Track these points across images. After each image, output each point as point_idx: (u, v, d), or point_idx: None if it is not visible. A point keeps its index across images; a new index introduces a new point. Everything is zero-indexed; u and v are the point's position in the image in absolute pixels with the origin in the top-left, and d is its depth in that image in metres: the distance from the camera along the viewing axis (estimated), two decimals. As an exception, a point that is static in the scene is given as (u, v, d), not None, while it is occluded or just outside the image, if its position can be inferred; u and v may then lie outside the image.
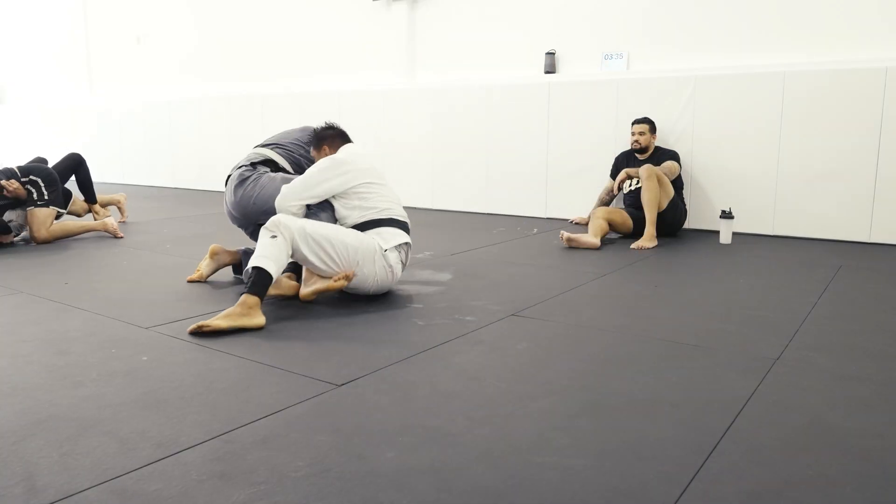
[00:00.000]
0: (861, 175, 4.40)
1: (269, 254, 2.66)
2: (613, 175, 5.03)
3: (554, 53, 5.67)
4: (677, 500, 1.38)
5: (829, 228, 4.55)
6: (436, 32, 6.38)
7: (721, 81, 4.82)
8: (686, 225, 4.95)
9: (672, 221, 4.63)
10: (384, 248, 2.89)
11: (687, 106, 4.95)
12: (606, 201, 5.04)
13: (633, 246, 4.26)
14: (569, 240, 4.23)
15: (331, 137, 3.22)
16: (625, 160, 4.98)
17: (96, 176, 9.28)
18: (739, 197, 4.80)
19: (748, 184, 4.78)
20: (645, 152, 4.88)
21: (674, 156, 4.78)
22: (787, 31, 4.71)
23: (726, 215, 4.44)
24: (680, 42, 5.13)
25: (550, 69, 5.68)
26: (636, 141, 4.85)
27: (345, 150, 3.16)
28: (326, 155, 3.19)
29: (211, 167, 7.92)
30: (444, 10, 6.29)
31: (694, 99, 4.93)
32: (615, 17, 5.39)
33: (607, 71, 5.44)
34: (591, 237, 4.26)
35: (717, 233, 4.57)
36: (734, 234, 4.56)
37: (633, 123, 4.89)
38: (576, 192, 5.51)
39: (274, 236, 2.69)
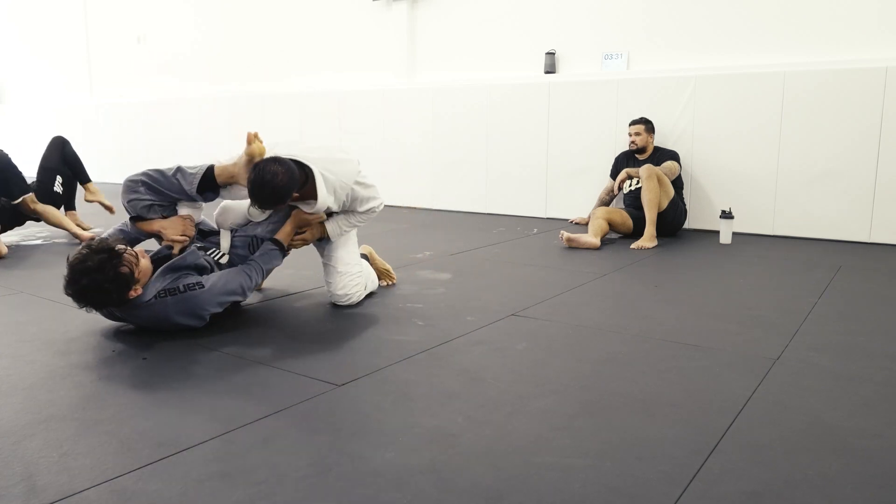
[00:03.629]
0: (861, 175, 4.40)
1: None
2: (613, 175, 5.03)
3: (554, 53, 5.67)
4: (677, 500, 1.38)
5: (829, 228, 4.55)
6: (436, 32, 6.38)
7: (721, 81, 4.82)
8: (686, 225, 4.95)
9: (672, 221, 4.63)
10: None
11: (687, 106, 4.95)
12: (606, 201, 5.04)
13: (633, 246, 4.26)
14: (569, 240, 4.23)
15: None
16: (625, 160, 4.98)
17: (97, 176, 9.29)
18: (739, 197, 4.80)
19: (748, 184, 4.78)
20: (643, 152, 4.88)
21: (674, 156, 4.78)
22: (787, 31, 4.71)
23: (726, 215, 4.44)
24: (680, 42, 5.13)
25: (550, 69, 5.68)
26: (633, 142, 4.86)
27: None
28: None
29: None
30: (444, 10, 6.29)
31: (694, 99, 4.93)
32: (615, 17, 5.39)
33: (607, 71, 5.44)
34: (591, 237, 4.26)
35: (717, 233, 4.57)
36: (734, 234, 4.56)
37: (629, 124, 4.90)
38: (575, 192, 5.51)
39: None
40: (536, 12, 5.77)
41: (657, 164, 4.68)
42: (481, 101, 5.92)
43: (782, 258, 3.97)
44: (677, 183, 4.73)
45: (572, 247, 4.24)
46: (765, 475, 1.47)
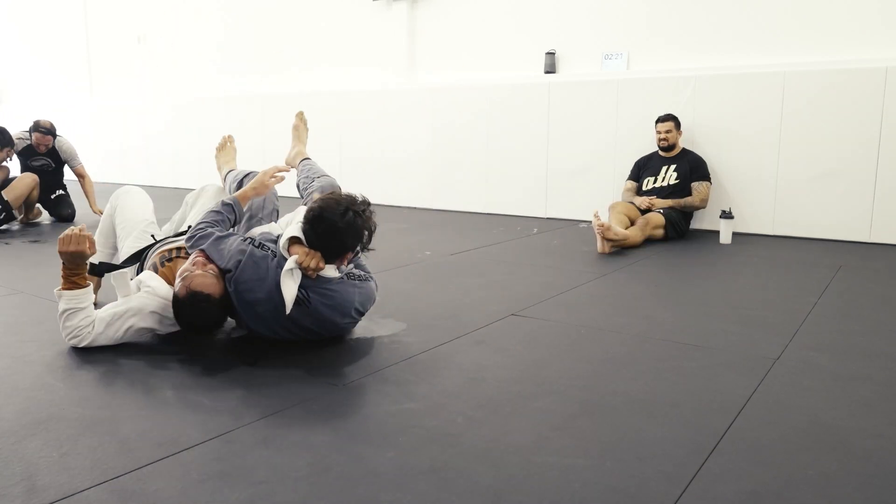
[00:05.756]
0: (861, 175, 4.40)
1: None
2: (633, 178, 5.00)
3: (554, 53, 5.67)
4: (677, 500, 1.38)
5: (829, 228, 4.55)
6: (436, 32, 6.38)
7: (721, 81, 4.82)
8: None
9: (678, 221, 4.62)
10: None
11: (687, 106, 4.95)
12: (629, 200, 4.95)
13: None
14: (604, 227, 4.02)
15: None
16: (646, 161, 4.95)
17: (97, 176, 9.29)
18: (739, 197, 4.80)
19: (748, 184, 4.78)
20: (671, 150, 4.84)
21: (704, 173, 4.75)
22: (787, 31, 4.71)
23: (726, 215, 4.44)
24: (680, 42, 5.13)
25: (550, 69, 5.67)
26: (663, 139, 4.80)
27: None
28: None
29: (211, 167, 7.92)
30: (444, 10, 6.29)
31: (694, 99, 4.93)
32: (615, 17, 5.39)
33: (607, 71, 5.43)
34: (624, 230, 4.20)
35: (717, 233, 4.57)
36: (734, 234, 4.56)
37: (657, 122, 4.84)
38: (575, 192, 5.51)
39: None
40: (536, 12, 5.77)
41: (684, 165, 4.74)
42: (481, 100, 5.92)
43: (782, 258, 3.97)
44: (687, 191, 4.76)
45: (607, 238, 4.06)
46: (765, 475, 1.47)
